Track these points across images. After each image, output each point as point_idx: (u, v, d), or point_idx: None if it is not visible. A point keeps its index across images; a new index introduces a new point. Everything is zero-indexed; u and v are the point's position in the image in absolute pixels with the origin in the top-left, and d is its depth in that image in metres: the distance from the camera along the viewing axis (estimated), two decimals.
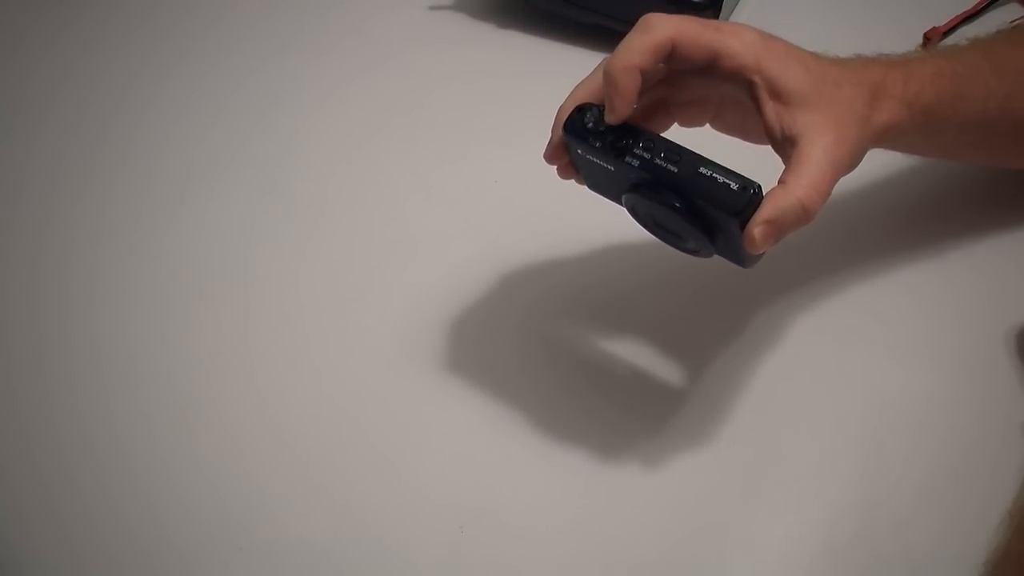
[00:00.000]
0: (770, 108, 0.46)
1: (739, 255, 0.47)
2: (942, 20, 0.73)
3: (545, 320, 0.59)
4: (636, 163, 0.45)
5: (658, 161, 0.45)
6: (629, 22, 0.78)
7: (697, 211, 0.45)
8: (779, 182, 0.45)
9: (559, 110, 0.48)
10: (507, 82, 0.74)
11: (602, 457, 0.53)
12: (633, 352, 0.57)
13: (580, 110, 0.47)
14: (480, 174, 0.67)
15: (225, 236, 0.65)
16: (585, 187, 0.50)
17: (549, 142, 0.49)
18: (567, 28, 0.75)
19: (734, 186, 0.44)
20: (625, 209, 0.49)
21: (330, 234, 0.65)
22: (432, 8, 0.79)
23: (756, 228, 0.44)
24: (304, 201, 0.67)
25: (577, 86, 0.49)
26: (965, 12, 0.74)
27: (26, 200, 0.68)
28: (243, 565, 0.50)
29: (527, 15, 0.77)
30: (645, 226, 0.49)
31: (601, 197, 0.50)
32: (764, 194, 0.44)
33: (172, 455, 0.54)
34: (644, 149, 0.45)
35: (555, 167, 0.50)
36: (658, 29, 0.45)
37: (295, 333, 0.60)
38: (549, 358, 0.57)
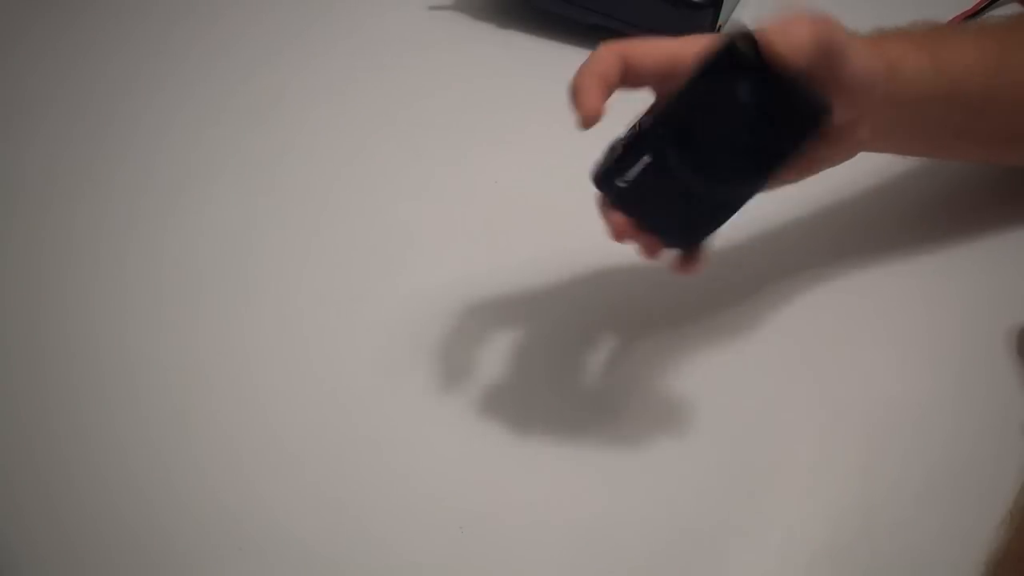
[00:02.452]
0: None
1: (797, 112, 0.43)
2: (942, 20, 0.73)
3: (544, 320, 0.59)
4: (648, 118, 0.45)
5: (659, 101, 0.45)
6: (629, 22, 0.78)
7: (724, 81, 0.43)
8: None
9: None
10: (507, 82, 0.74)
11: (601, 457, 0.53)
12: (633, 352, 0.57)
13: (595, 164, 0.46)
14: (480, 174, 0.67)
15: (224, 236, 0.65)
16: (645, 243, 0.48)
17: (608, 226, 0.47)
18: (567, 28, 0.75)
19: (724, 40, 0.42)
20: (716, 230, 0.47)
21: (329, 234, 0.65)
22: (432, 8, 0.79)
23: (775, 35, 0.41)
24: (303, 201, 0.67)
25: None
26: (965, 12, 0.74)
27: (25, 200, 0.68)
28: (243, 565, 0.50)
29: (527, 15, 0.77)
30: (717, 177, 0.45)
31: (689, 240, 0.48)
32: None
33: (172, 455, 0.54)
34: (642, 116, 0.45)
35: (637, 246, 0.48)
36: (606, 46, 0.45)
37: (294, 333, 0.60)
38: (548, 358, 0.57)
